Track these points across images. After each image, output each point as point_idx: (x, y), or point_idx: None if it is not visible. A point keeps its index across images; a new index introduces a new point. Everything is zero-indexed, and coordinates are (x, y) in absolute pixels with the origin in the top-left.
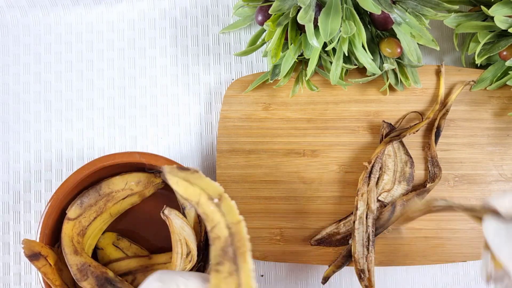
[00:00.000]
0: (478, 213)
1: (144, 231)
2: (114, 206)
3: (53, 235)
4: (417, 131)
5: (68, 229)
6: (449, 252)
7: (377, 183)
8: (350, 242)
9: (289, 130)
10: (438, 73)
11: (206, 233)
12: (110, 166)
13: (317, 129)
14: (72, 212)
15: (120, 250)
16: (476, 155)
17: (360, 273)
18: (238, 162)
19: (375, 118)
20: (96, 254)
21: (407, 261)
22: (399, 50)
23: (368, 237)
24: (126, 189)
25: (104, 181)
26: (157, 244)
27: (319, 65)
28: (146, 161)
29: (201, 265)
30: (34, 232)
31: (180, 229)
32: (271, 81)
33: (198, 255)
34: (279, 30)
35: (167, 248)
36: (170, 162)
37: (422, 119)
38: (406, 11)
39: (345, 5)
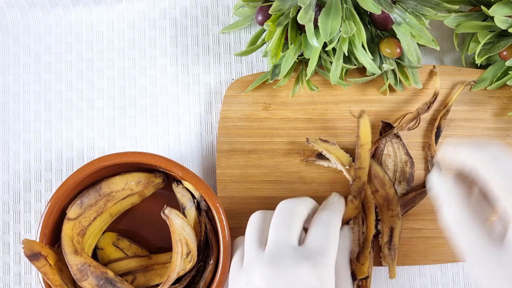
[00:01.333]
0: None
1: (144, 231)
2: (114, 206)
3: (53, 235)
4: (412, 127)
5: (68, 229)
6: (450, 252)
7: None
8: None
9: (289, 130)
10: (432, 73)
11: (206, 233)
12: (110, 166)
13: (317, 129)
14: (72, 212)
15: (120, 250)
16: None
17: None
18: (238, 162)
19: (375, 118)
20: (96, 254)
21: (407, 261)
22: (398, 50)
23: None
24: (126, 189)
25: (104, 181)
26: (157, 244)
27: (319, 65)
28: (146, 161)
29: (201, 265)
30: (34, 232)
31: (180, 229)
32: (271, 81)
33: (198, 255)
34: (279, 30)
35: (167, 248)
36: (170, 161)
37: (419, 118)
38: (406, 11)
39: (345, 5)
